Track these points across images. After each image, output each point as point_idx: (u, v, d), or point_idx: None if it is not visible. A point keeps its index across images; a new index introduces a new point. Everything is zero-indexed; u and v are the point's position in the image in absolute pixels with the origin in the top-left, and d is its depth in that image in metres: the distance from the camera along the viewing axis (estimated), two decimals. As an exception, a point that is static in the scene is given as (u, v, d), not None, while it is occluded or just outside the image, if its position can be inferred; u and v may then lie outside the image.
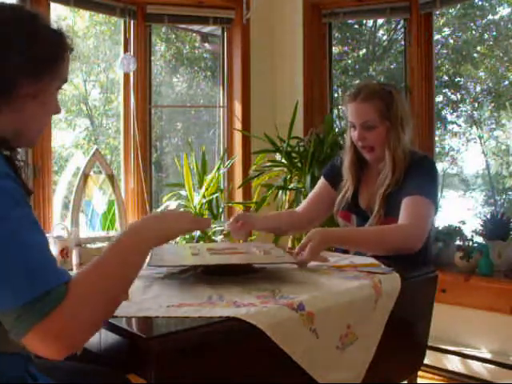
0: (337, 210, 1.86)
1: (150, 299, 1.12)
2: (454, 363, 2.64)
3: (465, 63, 4.84)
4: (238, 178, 3.39)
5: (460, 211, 4.77)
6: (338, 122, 3.73)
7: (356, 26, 5.06)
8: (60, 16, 3.24)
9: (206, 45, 4.25)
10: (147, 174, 3.20)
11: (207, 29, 3.72)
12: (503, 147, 4.80)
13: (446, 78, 4.90)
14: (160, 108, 4.31)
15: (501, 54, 4.57)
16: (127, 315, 0.99)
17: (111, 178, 2.87)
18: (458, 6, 4.43)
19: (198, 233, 2.95)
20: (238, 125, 3.39)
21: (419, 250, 1.58)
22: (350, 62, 4.99)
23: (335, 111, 3.65)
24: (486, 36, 4.76)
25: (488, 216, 2.73)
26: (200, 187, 3.15)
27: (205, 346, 0.95)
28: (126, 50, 3.15)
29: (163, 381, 0.89)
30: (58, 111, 1.00)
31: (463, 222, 2.94)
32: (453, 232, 2.85)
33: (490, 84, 4.72)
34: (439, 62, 4.70)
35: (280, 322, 1.04)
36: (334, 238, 1.57)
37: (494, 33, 4.73)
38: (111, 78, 4.63)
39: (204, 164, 3.22)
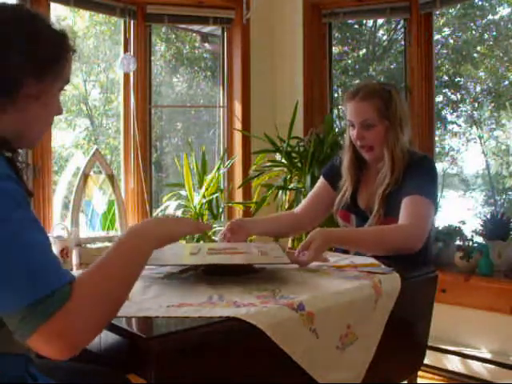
0: (336, 209, 1.86)
1: (149, 299, 1.12)
2: (453, 363, 2.64)
3: (465, 63, 4.83)
4: (238, 178, 3.39)
5: (460, 211, 4.76)
6: (337, 122, 3.73)
7: (356, 26, 5.06)
8: (60, 16, 3.24)
9: (206, 45, 4.25)
10: (147, 173, 3.20)
11: (207, 29, 3.72)
12: (503, 147, 4.79)
13: (446, 78, 4.90)
14: (160, 108, 4.31)
15: (501, 54, 4.56)
16: (127, 315, 0.99)
17: (111, 178, 2.87)
18: (458, 6, 4.43)
19: (198, 233, 2.95)
20: (238, 125, 3.39)
21: (419, 250, 1.57)
22: (349, 62, 4.99)
23: (335, 111, 3.65)
24: (486, 36, 4.76)
25: (488, 216, 2.73)
26: (200, 187, 3.15)
27: (205, 345, 0.95)
28: (125, 50, 3.15)
29: (163, 381, 0.89)
30: (59, 112, 1.01)
31: (463, 222, 2.94)
32: (453, 232, 2.85)
33: (490, 84, 4.72)
34: (439, 62, 4.69)
35: (280, 321, 1.04)
36: (335, 238, 1.57)
37: (494, 33, 4.73)
38: (111, 77, 4.63)
39: (204, 164, 3.22)
